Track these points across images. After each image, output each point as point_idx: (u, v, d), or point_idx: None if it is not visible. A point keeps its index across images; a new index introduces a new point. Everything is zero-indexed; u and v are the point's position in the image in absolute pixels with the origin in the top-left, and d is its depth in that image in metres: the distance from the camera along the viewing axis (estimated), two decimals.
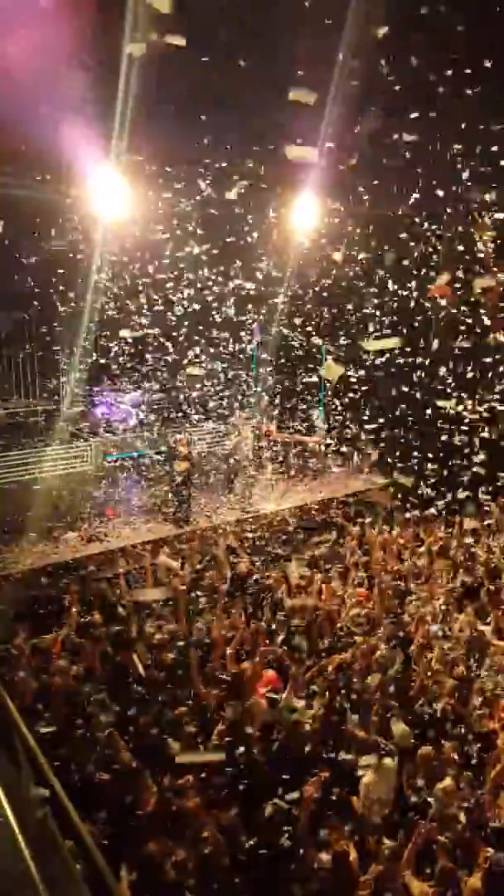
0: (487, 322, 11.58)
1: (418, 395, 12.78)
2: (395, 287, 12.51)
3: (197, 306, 13.14)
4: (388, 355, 12.96)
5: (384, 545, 9.32)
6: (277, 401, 14.45)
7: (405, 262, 12.15)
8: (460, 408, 10.95)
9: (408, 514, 10.71)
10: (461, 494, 10.79)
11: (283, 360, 14.70)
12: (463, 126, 8.54)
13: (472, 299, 11.76)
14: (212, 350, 14.61)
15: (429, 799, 4.78)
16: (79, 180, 9.42)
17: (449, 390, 12.07)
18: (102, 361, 12.96)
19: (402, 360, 13.15)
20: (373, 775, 4.88)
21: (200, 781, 4.51)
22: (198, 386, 14.54)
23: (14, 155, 8.80)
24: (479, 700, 5.91)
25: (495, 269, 11.69)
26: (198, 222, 12.07)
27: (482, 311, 11.77)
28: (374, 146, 8.78)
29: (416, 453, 12.36)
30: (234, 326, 14.53)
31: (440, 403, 10.98)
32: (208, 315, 14.03)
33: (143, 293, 12.18)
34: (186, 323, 12.80)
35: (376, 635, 6.97)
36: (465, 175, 9.54)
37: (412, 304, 12.71)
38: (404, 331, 12.80)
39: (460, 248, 12.32)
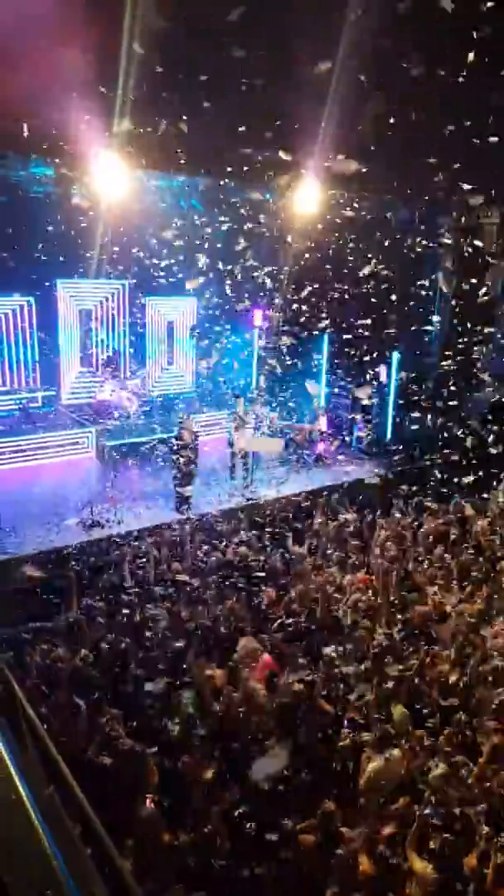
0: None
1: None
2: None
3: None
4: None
5: (384, 531, 9.36)
6: (277, 388, 14.47)
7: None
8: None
9: (409, 501, 10.74)
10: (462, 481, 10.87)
11: (283, 347, 14.68)
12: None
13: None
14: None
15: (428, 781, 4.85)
16: None
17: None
18: None
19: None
20: (379, 762, 4.94)
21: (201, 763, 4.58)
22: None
23: None
24: (478, 685, 5.97)
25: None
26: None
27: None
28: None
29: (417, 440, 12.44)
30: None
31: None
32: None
33: None
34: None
35: (377, 621, 7.03)
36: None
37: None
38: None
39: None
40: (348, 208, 12.65)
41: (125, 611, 6.85)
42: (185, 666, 5.83)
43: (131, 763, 4.42)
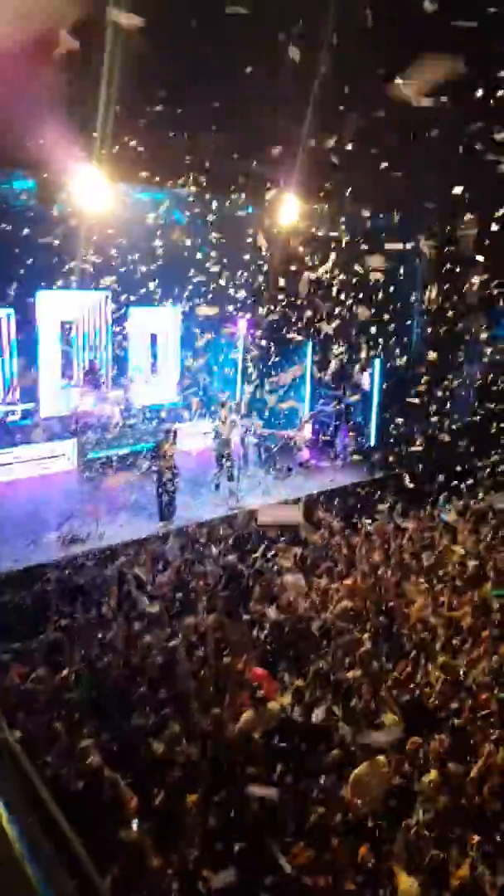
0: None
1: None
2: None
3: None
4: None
5: (370, 538, 9.37)
6: (261, 395, 14.47)
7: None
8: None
9: (393, 508, 10.76)
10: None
11: (270, 355, 14.68)
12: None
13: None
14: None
15: (416, 790, 4.82)
16: None
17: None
18: None
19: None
20: (364, 768, 4.91)
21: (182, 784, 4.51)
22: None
23: None
24: (466, 692, 5.96)
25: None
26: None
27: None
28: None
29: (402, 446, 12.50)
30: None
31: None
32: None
33: None
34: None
35: (363, 628, 7.01)
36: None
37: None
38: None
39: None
40: (328, 219, 12.74)
41: (108, 628, 6.77)
42: (172, 683, 5.76)
43: (106, 789, 4.33)
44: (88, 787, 4.29)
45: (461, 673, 6.18)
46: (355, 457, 13.67)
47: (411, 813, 4.57)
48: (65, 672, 5.71)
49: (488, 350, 13.21)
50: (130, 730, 5.06)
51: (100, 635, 6.56)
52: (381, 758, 4.99)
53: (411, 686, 6.02)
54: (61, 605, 7.23)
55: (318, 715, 5.47)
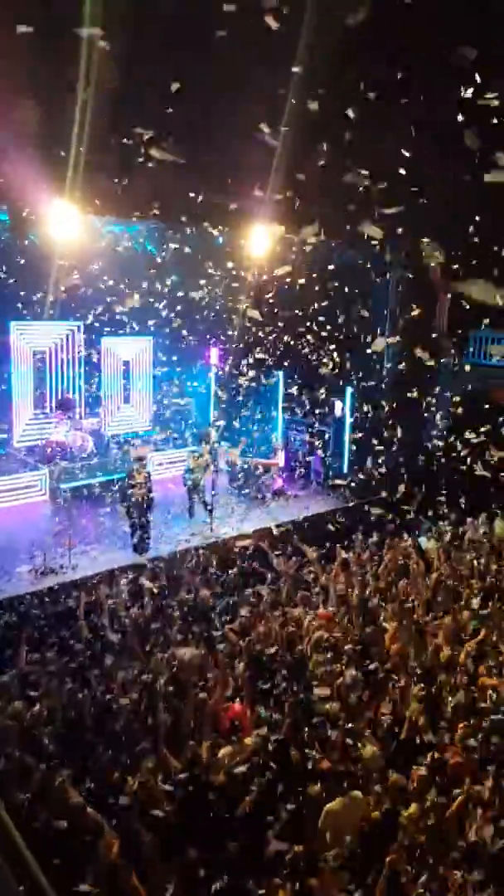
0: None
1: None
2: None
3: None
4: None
5: (346, 567, 9.32)
6: (235, 424, 14.49)
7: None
8: None
9: (368, 535, 10.76)
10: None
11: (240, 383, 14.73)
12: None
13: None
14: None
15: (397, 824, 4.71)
16: None
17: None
18: None
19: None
20: (338, 803, 4.80)
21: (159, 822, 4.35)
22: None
23: None
24: (445, 722, 5.90)
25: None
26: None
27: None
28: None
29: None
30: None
31: None
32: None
33: None
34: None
35: (340, 659, 6.92)
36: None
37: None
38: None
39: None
40: (299, 249, 12.95)
41: (80, 662, 6.59)
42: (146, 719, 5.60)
43: (87, 830, 4.17)
44: (68, 828, 4.12)
45: (439, 703, 6.12)
46: (329, 484, 13.71)
47: (392, 847, 4.46)
48: (36, 708, 5.53)
49: (460, 376, 13.45)
50: (105, 766, 4.90)
51: (71, 669, 6.38)
52: (358, 793, 4.89)
53: (390, 717, 5.93)
54: (33, 638, 7.04)
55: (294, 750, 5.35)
